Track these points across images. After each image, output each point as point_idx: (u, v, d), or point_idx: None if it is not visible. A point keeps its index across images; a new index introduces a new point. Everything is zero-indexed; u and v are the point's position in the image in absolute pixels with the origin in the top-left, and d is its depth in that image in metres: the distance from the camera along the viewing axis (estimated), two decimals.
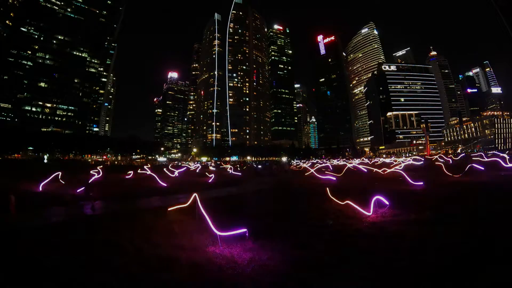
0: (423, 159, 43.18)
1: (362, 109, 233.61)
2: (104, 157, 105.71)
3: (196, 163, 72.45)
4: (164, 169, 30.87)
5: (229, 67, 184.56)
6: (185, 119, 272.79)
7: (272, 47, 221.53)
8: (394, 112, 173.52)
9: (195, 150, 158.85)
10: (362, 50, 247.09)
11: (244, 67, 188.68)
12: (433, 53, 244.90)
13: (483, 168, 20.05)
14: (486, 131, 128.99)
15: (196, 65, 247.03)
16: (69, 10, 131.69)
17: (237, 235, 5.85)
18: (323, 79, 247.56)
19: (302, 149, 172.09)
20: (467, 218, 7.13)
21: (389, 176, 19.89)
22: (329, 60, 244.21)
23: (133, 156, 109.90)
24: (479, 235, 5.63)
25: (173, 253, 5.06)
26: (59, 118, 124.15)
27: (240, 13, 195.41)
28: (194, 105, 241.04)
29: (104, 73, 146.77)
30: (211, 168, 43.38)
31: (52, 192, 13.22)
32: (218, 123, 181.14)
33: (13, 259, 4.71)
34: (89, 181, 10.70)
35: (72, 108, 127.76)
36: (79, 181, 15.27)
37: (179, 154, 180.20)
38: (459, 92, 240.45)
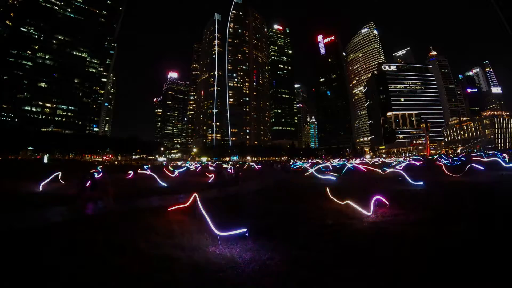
0: (423, 159, 43.17)
1: (362, 109, 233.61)
2: (104, 157, 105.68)
3: (197, 163, 72.45)
4: (164, 169, 30.83)
5: (229, 67, 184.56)
6: (185, 119, 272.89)
7: (272, 47, 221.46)
8: (394, 112, 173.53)
9: (195, 150, 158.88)
10: (362, 50, 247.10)
11: (244, 67, 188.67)
12: (433, 53, 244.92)
13: (483, 168, 20.04)
14: (486, 131, 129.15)
15: (196, 65, 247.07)
16: (69, 10, 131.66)
17: (237, 235, 5.85)
18: (323, 79, 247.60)
19: (302, 149, 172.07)
20: (467, 218, 7.13)
21: (389, 176, 19.88)
22: (329, 60, 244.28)
23: (133, 156, 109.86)
24: (479, 235, 5.63)
25: (173, 253, 5.06)
26: (59, 118, 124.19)
27: (240, 13, 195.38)
28: (194, 105, 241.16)
29: (104, 73, 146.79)
30: (211, 168, 43.41)
31: (52, 192, 13.21)
32: (218, 123, 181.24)
33: (13, 259, 4.70)
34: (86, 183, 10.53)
35: (72, 108, 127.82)
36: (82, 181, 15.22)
37: (179, 154, 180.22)
38: (459, 92, 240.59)
